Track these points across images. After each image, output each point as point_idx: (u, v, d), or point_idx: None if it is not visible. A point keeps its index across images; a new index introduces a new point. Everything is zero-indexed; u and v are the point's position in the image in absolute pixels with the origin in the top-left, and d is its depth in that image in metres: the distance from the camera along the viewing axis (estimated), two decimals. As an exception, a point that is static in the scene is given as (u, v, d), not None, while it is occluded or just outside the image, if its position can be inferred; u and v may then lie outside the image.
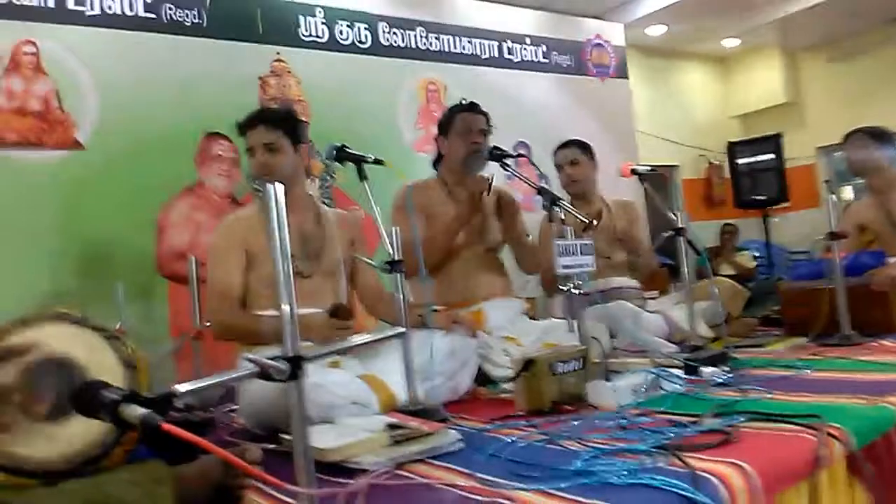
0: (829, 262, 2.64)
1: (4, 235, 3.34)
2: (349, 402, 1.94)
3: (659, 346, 2.70)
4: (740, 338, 2.89)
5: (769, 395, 1.82)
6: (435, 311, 2.30)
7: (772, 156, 6.66)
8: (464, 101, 2.90)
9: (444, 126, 2.85)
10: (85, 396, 0.95)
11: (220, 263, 2.27)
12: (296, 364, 1.03)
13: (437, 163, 2.94)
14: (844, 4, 6.23)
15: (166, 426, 0.89)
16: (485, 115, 2.83)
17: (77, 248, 3.53)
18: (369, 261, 2.37)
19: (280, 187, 1.09)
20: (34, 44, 3.56)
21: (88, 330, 1.15)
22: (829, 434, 1.41)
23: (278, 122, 2.31)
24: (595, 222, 2.48)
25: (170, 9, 3.94)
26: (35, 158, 3.50)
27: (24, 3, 3.54)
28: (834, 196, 2.79)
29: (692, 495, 1.15)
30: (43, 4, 3.59)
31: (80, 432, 1.08)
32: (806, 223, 6.60)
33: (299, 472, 1.07)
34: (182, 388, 0.97)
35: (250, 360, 1.02)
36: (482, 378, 2.41)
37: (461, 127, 2.78)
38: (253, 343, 2.12)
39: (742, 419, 1.55)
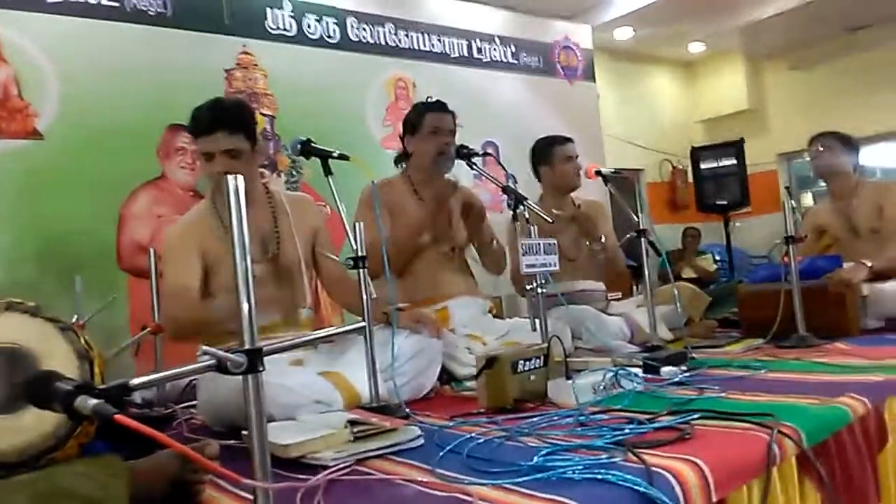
0: (786, 265, 2.69)
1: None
2: (312, 401, 1.93)
3: (620, 348, 2.74)
4: (699, 339, 2.94)
5: (724, 395, 1.86)
6: (400, 309, 2.29)
7: (734, 161, 6.79)
8: (430, 99, 2.89)
9: (412, 125, 2.83)
10: (38, 387, 0.93)
11: (174, 265, 2.21)
12: (254, 357, 1.02)
13: (399, 160, 2.93)
14: (807, 13, 6.37)
15: (119, 418, 0.88)
16: (452, 114, 2.83)
17: (35, 239, 3.44)
18: (331, 256, 2.36)
19: (241, 180, 1.07)
20: (-7, 30, 3.47)
21: (41, 320, 1.13)
22: (782, 433, 1.44)
23: (238, 126, 2.21)
24: (554, 220, 2.50)
25: (135, -2, 3.87)
26: (-9, 147, 3.41)
27: (-15, -12, 3.45)
28: (792, 201, 2.85)
29: (646, 490, 1.17)
30: (4, -10, 3.50)
31: (32, 424, 1.05)
32: (766, 228, 6.74)
33: (256, 465, 1.07)
34: (136, 380, 0.96)
35: (207, 353, 1.01)
36: (446, 376, 2.42)
37: (430, 126, 2.77)
38: (209, 335, 2.08)
39: (697, 417, 1.58)
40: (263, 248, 2.28)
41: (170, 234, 2.32)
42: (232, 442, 1.72)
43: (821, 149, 3.32)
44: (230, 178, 1.06)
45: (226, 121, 2.20)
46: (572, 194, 3.38)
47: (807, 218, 3.51)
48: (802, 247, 2.91)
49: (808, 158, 3.50)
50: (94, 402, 0.89)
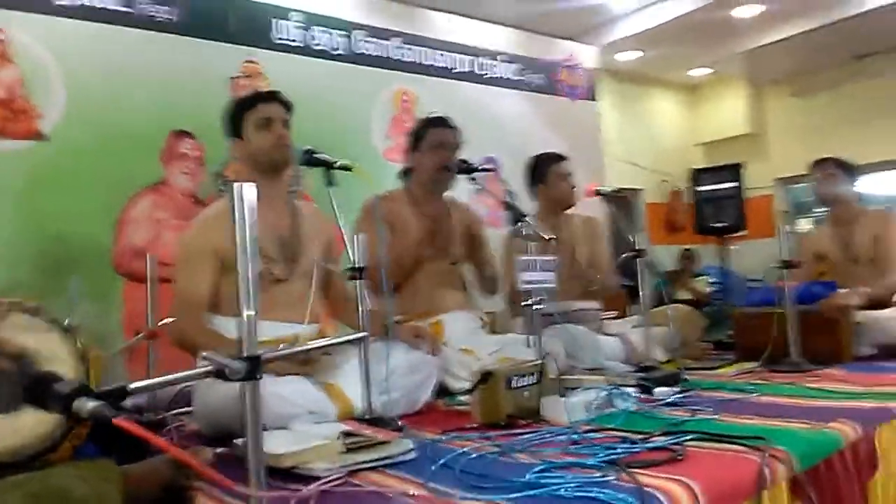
0: (781, 289, 2.71)
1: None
2: (306, 412, 1.93)
3: (614, 367, 2.74)
4: (693, 361, 2.95)
5: (717, 417, 1.86)
6: (397, 322, 2.29)
7: (733, 184, 6.82)
8: (435, 114, 2.91)
9: (415, 139, 2.85)
10: (37, 388, 0.94)
11: (187, 268, 2.19)
12: (252, 364, 1.03)
13: (404, 174, 2.95)
14: (810, 41, 6.42)
15: (118, 421, 0.89)
16: (456, 130, 2.85)
17: (34, 240, 3.46)
18: (336, 269, 2.37)
19: (251, 187, 1.08)
20: (2, 31, 3.49)
21: (42, 321, 1.14)
22: (773, 456, 1.44)
23: (288, 107, 2.33)
24: (552, 238, 2.51)
25: (142, 3, 3.91)
26: (-5, 147, 3.43)
27: (-4, -11, 3.48)
28: (788, 226, 2.87)
29: (638, 510, 1.17)
30: (15, -9, 3.54)
31: (28, 425, 1.06)
32: (762, 251, 6.73)
33: (251, 473, 1.07)
34: (136, 384, 0.97)
35: (206, 358, 1.01)
36: (440, 390, 2.42)
37: (432, 142, 2.79)
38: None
39: (690, 438, 1.58)
40: (282, 248, 2.28)
41: (185, 237, 2.30)
42: (224, 449, 1.72)
43: (825, 174, 3.35)
44: (237, 185, 1.07)
45: (281, 97, 2.32)
46: (568, 211, 3.39)
47: (805, 243, 3.53)
48: (800, 272, 2.92)
49: (808, 183, 3.53)
50: (92, 404, 0.90)
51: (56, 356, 1.09)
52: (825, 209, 3.52)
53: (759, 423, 1.75)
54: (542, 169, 3.33)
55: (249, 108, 2.28)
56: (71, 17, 3.69)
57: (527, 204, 3.40)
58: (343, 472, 1.49)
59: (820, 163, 3.41)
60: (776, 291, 2.76)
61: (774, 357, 2.66)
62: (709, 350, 3.19)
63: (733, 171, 6.85)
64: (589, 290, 3.25)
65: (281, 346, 1.97)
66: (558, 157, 3.36)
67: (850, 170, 3.37)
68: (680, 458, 1.45)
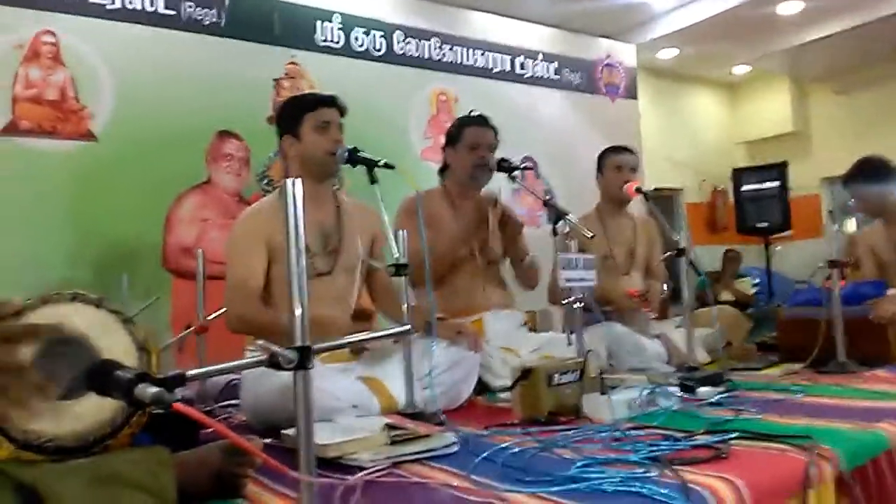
0: (828, 290, 2.66)
1: (15, 222, 3.38)
2: (350, 406, 1.97)
3: (657, 368, 2.73)
4: (738, 362, 2.92)
5: (762, 416, 1.84)
6: (440, 319, 2.31)
7: (776, 184, 6.72)
8: (474, 113, 2.93)
9: (453, 137, 2.87)
10: (100, 375, 0.98)
11: (239, 256, 2.24)
12: (305, 354, 1.06)
13: (442, 172, 2.97)
14: (853, 38, 6.29)
15: (177, 406, 0.92)
16: (494, 129, 2.86)
17: (85, 238, 3.57)
18: (379, 265, 2.40)
19: (299, 183, 1.12)
20: (54, 34, 3.61)
21: (104, 311, 1.18)
22: (820, 455, 1.43)
23: (344, 112, 2.39)
24: (593, 235, 2.50)
25: (189, 6, 4.00)
26: (48, 147, 3.55)
27: (48, -7, 3.60)
28: (836, 226, 2.82)
29: (682, 505, 1.17)
30: (66, -5, 3.65)
31: (91, 411, 1.10)
32: (807, 252, 6.63)
33: (301, 461, 1.10)
34: (192, 371, 1.00)
35: (260, 347, 1.05)
36: (480, 387, 2.44)
37: (470, 140, 2.80)
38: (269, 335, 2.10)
39: (734, 437, 1.57)
40: (324, 242, 2.32)
41: (237, 224, 2.35)
42: (271, 440, 1.75)
43: (857, 202, 3.28)
44: (289, 181, 1.10)
45: (340, 104, 2.38)
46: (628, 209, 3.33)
47: (858, 241, 3.46)
48: (860, 271, 2.86)
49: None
50: (153, 390, 0.93)
51: (117, 346, 1.14)
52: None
53: (805, 423, 1.73)
54: (603, 159, 3.29)
55: (310, 110, 2.33)
56: (119, 21, 3.80)
57: (574, 200, 3.40)
58: (387, 463, 1.51)
59: (850, 179, 3.31)
60: (822, 291, 2.72)
61: (820, 359, 2.62)
62: (753, 351, 3.15)
63: (777, 170, 6.75)
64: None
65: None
66: (618, 149, 3.27)
67: (885, 172, 3.27)
68: (724, 455, 1.44)
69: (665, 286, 3.27)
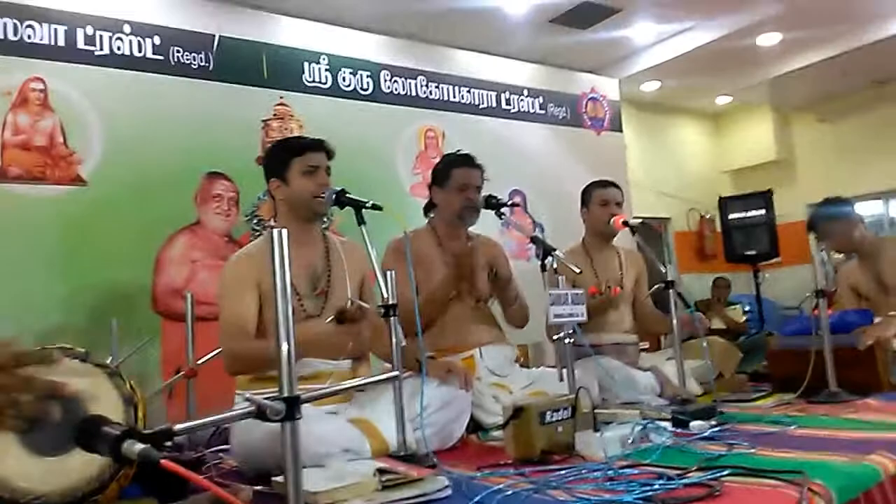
0: (816, 319, 2.68)
1: (5, 268, 3.36)
2: (341, 450, 1.95)
3: (649, 401, 2.72)
4: (729, 393, 2.92)
5: (754, 451, 1.84)
6: (430, 358, 2.30)
7: (762, 211, 6.78)
8: (460, 152, 2.95)
9: (440, 177, 2.88)
10: (87, 430, 0.97)
11: (231, 298, 2.23)
12: (292, 404, 1.06)
13: (427, 209, 2.97)
14: (833, 67, 6.41)
15: (165, 462, 0.92)
16: (480, 168, 2.87)
17: (76, 282, 3.55)
18: (367, 305, 2.39)
19: (285, 232, 1.12)
20: (42, 80, 3.63)
21: (90, 366, 1.18)
22: (812, 490, 1.43)
23: (332, 156, 2.41)
24: (581, 271, 2.51)
25: (177, 51, 4.04)
26: (38, 192, 3.55)
27: (35, 41, 3.63)
28: (823, 254, 2.85)
29: (676, 547, 1.17)
30: (53, 43, 3.68)
31: (77, 467, 1.09)
32: (796, 278, 6.68)
33: (291, 512, 1.09)
34: (180, 425, 1.00)
35: (247, 399, 1.04)
36: (473, 425, 2.42)
37: (458, 182, 2.81)
38: (266, 370, 2.09)
39: (727, 473, 1.57)
40: (312, 285, 2.32)
41: (227, 267, 2.35)
42: (262, 488, 1.74)
43: (826, 244, 3.32)
44: (275, 231, 1.11)
45: (327, 147, 2.40)
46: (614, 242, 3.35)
47: (840, 277, 3.49)
48: (842, 305, 2.88)
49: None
50: (140, 446, 0.93)
51: (105, 399, 1.13)
52: None
53: (796, 457, 1.73)
54: (587, 194, 3.31)
55: (297, 154, 2.34)
56: (108, 66, 3.83)
57: (562, 234, 3.41)
58: (378, 509, 1.50)
59: (812, 225, 3.36)
60: (812, 320, 2.73)
61: (811, 388, 2.63)
62: (745, 382, 3.15)
63: (763, 198, 6.81)
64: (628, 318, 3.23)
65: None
66: (604, 183, 3.30)
67: (842, 210, 3.31)
68: (717, 493, 1.44)
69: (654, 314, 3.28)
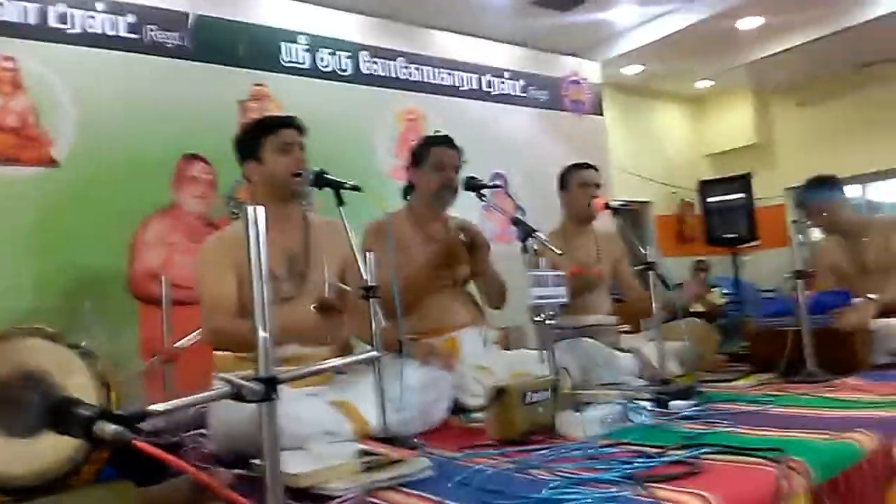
0: (795, 300, 2.69)
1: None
2: (322, 432, 1.93)
3: (629, 382, 2.73)
4: (709, 373, 2.93)
5: (734, 429, 1.85)
6: (412, 340, 2.29)
7: (742, 195, 6.81)
8: (438, 133, 2.93)
9: (418, 157, 2.85)
10: (58, 412, 0.95)
11: (210, 279, 2.21)
12: (270, 385, 1.04)
13: (406, 192, 2.95)
14: (813, 51, 6.44)
15: (138, 443, 0.89)
16: (459, 149, 2.85)
17: (50, 265, 3.50)
18: (347, 287, 2.37)
19: (261, 210, 1.10)
20: (13, 59, 3.55)
21: (62, 346, 1.15)
22: (791, 467, 1.43)
23: (304, 132, 2.38)
24: (562, 252, 2.51)
25: (152, 30, 3.96)
26: (9, 174, 3.48)
27: (5, 19, 3.55)
28: (800, 236, 2.86)
29: (657, 524, 1.17)
30: (24, 20, 3.60)
31: (50, 449, 1.07)
32: (774, 261, 6.72)
33: (269, 495, 1.07)
34: (156, 406, 0.98)
35: (224, 380, 1.02)
36: (455, 407, 2.42)
37: (435, 161, 2.79)
38: (249, 349, 2.05)
39: (707, 451, 1.58)
40: (290, 267, 2.29)
41: (204, 250, 2.32)
42: (241, 471, 1.72)
43: (813, 218, 3.35)
44: (250, 208, 1.08)
45: (298, 124, 2.36)
46: (592, 224, 3.36)
47: (819, 257, 3.51)
48: (817, 285, 2.90)
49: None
50: (113, 427, 0.91)
51: (76, 381, 1.10)
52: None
53: (776, 435, 1.74)
54: (566, 176, 3.33)
55: (269, 133, 2.31)
56: (81, 45, 3.75)
57: (543, 217, 3.41)
58: (360, 491, 1.49)
59: (801, 198, 3.39)
60: (790, 302, 2.75)
61: (790, 368, 2.65)
62: (724, 363, 3.17)
63: (742, 181, 6.85)
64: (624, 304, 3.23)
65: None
66: (582, 166, 3.32)
67: (832, 187, 3.35)
68: (697, 471, 1.44)
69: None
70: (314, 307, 2.06)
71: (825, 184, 3.36)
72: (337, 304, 2.05)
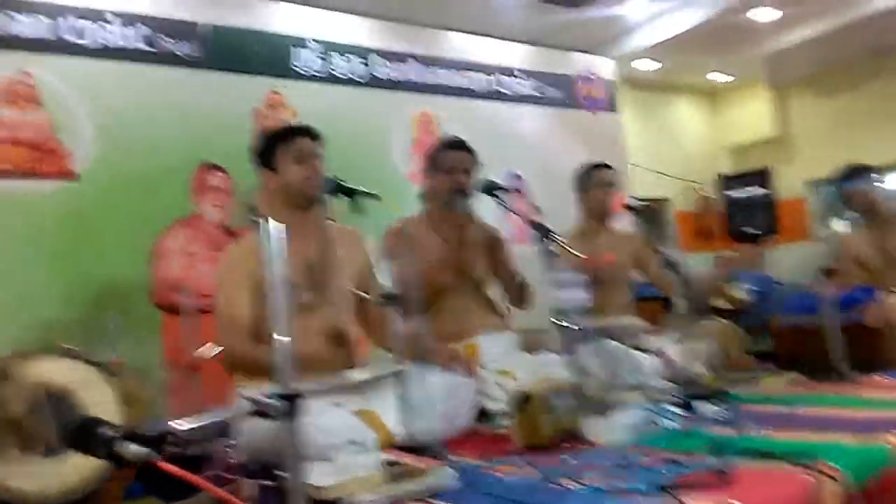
0: (822, 297, 2.65)
1: (1, 265, 3.33)
2: (347, 442, 1.92)
3: (655, 385, 2.69)
4: (735, 374, 2.89)
5: (764, 433, 1.82)
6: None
7: (762, 189, 6.75)
8: (451, 136, 2.91)
9: (431, 161, 2.85)
10: (82, 433, 0.94)
11: (226, 294, 2.19)
12: (292, 401, 1.03)
13: (423, 196, 2.94)
14: (831, 41, 6.34)
15: (162, 464, 0.89)
16: (471, 151, 2.83)
17: (71, 278, 3.52)
18: (366, 295, 2.36)
19: (278, 224, 1.09)
20: (30, 74, 3.58)
21: (86, 365, 1.15)
22: (824, 473, 1.40)
23: (321, 141, 2.36)
24: (583, 256, 2.48)
25: (167, 42, 3.98)
26: (28, 188, 3.51)
27: (22, 33, 3.58)
28: (825, 230, 2.82)
29: (690, 535, 1.14)
30: (40, 35, 3.62)
31: (74, 468, 1.07)
32: (797, 255, 6.64)
33: (295, 510, 1.06)
34: (179, 426, 0.97)
35: (247, 399, 1.01)
36: (479, 413, 2.39)
37: (447, 165, 2.77)
38: (262, 375, 2.06)
39: (737, 457, 1.54)
40: (310, 275, 2.28)
41: (224, 260, 2.31)
42: (268, 482, 1.71)
43: (854, 190, 3.31)
44: (266, 223, 1.07)
45: (316, 134, 2.34)
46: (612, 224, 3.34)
47: (842, 245, 3.47)
48: (844, 278, 2.85)
49: (838, 189, 3.47)
50: (135, 448, 0.90)
51: (98, 398, 1.10)
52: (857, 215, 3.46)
53: (807, 439, 1.71)
54: (585, 176, 3.33)
55: (285, 142, 2.30)
56: (96, 58, 3.78)
57: (559, 217, 3.39)
58: (386, 502, 1.47)
59: (849, 173, 3.36)
60: (815, 298, 2.70)
61: (818, 366, 2.60)
62: (751, 362, 3.12)
63: (762, 175, 6.79)
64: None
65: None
66: (601, 166, 3.34)
67: (870, 173, 3.33)
68: (728, 479, 1.41)
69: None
70: (326, 335, 2.04)
71: (863, 172, 3.34)
72: (348, 333, 2.03)
